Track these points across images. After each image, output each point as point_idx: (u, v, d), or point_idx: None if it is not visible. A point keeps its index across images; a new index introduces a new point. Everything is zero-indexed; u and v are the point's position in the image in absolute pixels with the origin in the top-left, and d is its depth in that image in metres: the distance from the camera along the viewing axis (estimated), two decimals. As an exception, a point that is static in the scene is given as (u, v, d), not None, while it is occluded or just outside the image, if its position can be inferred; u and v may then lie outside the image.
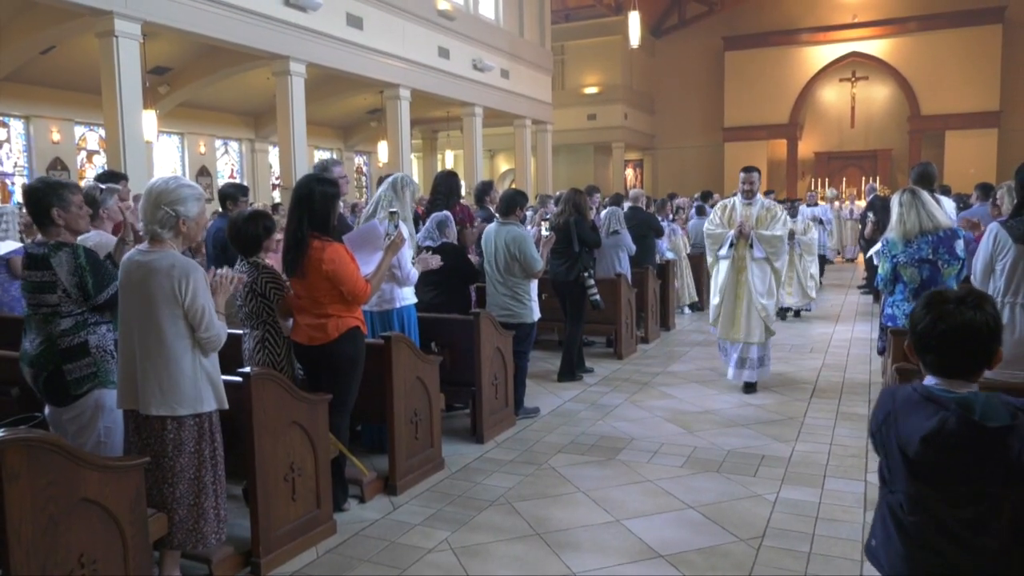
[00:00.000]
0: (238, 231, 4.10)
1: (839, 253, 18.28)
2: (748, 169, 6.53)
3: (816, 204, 14.28)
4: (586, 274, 6.78)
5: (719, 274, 6.51)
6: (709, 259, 6.69)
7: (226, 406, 3.30)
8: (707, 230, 6.59)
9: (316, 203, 3.90)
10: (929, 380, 1.91)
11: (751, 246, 6.28)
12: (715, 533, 3.82)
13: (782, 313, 9.90)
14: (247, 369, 3.53)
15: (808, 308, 10.52)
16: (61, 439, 2.77)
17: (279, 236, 4.39)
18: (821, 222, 13.20)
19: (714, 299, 6.59)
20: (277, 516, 3.58)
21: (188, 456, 3.19)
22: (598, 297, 6.81)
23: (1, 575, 2.47)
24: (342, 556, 3.68)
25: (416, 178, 22.64)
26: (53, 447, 2.61)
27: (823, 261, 13.46)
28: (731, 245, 6.35)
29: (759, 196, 6.51)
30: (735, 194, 6.68)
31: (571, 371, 7.08)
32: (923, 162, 6.29)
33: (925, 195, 4.55)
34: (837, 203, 17.40)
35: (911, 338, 1.93)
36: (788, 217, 6.85)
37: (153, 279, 3.09)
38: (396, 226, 4.45)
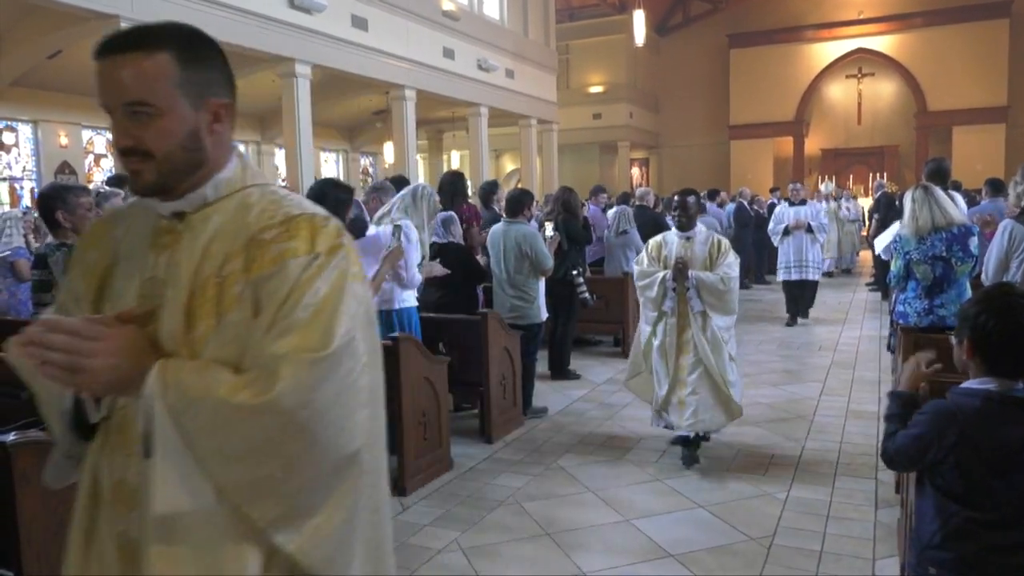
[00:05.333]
0: None
1: (836, 264, 14.73)
2: None
3: (803, 201, 9.54)
4: (575, 272, 6.72)
5: None
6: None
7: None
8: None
9: (328, 207, 3.90)
10: (980, 383, 1.88)
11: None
12: (725, 532, 3.81)
13: (687, 450, 4.76)
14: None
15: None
16: (71, 442, 2.78)
17: None
18: (810, 229, 9.29)
19: None
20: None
21: None
22: (587, 295, 6.75)
23: (12, 578, 2.48)
24: (352, 557, 3.68)
25: (422, 178, 22.76)
26: (63, 450, 2.61)
27: (814, 289, 9.77)
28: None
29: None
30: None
31: (561, 369, 7.05)
32: (937, 158, 6.19)
33: (938, 191, 4.51)
34: (833, 201, 13.82)
35: (972, 338, 1.88)
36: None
37: None
38: (399, 238, 4.54)
